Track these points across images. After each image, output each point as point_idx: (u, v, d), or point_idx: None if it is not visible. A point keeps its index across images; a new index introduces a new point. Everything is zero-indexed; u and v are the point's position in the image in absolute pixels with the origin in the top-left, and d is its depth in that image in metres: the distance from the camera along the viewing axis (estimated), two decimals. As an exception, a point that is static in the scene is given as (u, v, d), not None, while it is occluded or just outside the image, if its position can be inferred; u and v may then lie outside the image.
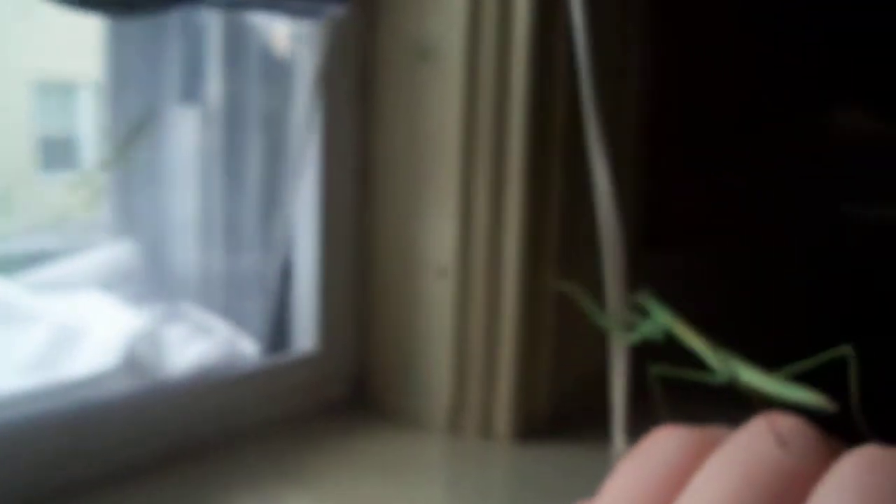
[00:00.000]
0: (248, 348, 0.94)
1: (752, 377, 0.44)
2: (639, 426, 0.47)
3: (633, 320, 0.47)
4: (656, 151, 1.10)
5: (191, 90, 0.96)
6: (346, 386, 1.02)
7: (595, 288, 0.96)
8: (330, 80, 0.93)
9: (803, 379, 0.42)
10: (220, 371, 0.90)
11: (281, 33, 0.92)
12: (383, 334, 1.01)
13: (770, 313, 1.56)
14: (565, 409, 1.00)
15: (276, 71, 0.94)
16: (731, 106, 1.43)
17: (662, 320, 0.46)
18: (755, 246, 1.52)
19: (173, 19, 0.94)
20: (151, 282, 0.98)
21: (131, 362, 0.84)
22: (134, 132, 0.76)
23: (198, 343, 0.92)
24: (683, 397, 0.47)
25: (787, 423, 0.32)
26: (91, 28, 0.93)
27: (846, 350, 0.41)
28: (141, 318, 0.89)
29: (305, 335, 0.98)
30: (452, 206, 0.93)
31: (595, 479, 0.34)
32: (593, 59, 0.78)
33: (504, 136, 0.91)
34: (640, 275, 1.06)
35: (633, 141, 1.05)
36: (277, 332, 0.98)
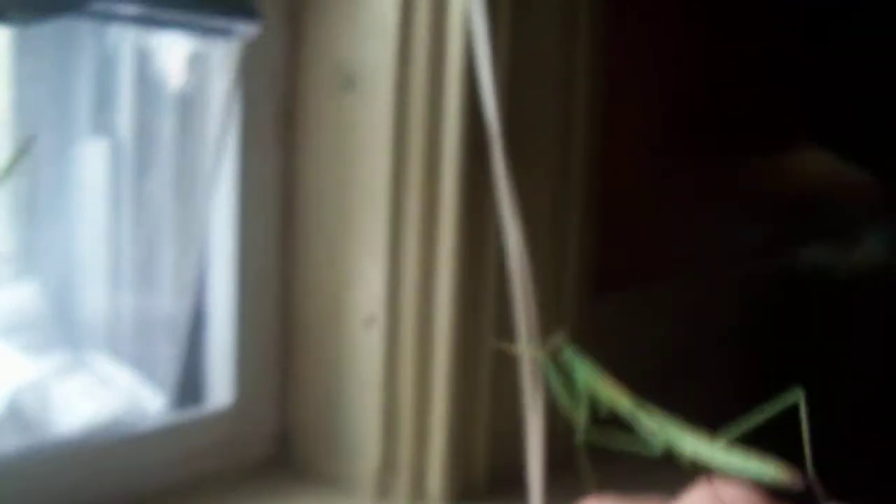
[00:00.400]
0: (154, 402, 0.86)
1: (696, 446, 0.36)
2: (565, 490, 0.41)
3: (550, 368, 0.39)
4: (607, 192, 1.03)
5: (101, 121, 0.88)
6: (267, 444, 0.93)
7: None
8: (247, 109, 0.85)
9: (753, 439, 0.34)
10: (121, 427, 0.82)
11: (179, 60, 0.84)
12: (307, 388, 0.92)
13: (724, 360, 1.50)
14: (505, 470, 0.92)
15: (187, 101, 0.86)
16: (684, 144, 1.37)
17: (582, 376, 0.38)
18: (706, 290, 1.46)
19: (83, 48, 0.86)
20: (55, 327, 0.89)
21: (16, 417, 0.75)
22: (12, 161, 0.69)
23: (97, 396, 0.83)
24: (613, 460, 0.40)
25: (731, 492, 0.29)
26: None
27: (795, 396, 0.34)
28: (33, 367, 0.81)
29: (221, 388, 0.90)
30: (381, 248, 0.85)
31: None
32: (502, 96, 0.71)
33: (436, 174, 0.84)
34: (586, 321, 0.99)
35: (580, 182, 0.98)
36: (190, 385, 0.89)
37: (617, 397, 0.38)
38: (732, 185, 1.55)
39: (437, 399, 0.87)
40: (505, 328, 0.86)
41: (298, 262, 0.91)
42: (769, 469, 0.33)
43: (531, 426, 0.65)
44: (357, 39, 0.84)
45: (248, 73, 0.84)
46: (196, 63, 0.83)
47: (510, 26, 0.84)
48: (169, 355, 0.87)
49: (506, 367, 0.90)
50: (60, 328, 0.89)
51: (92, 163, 0.88)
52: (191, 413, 0.88)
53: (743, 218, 1.60)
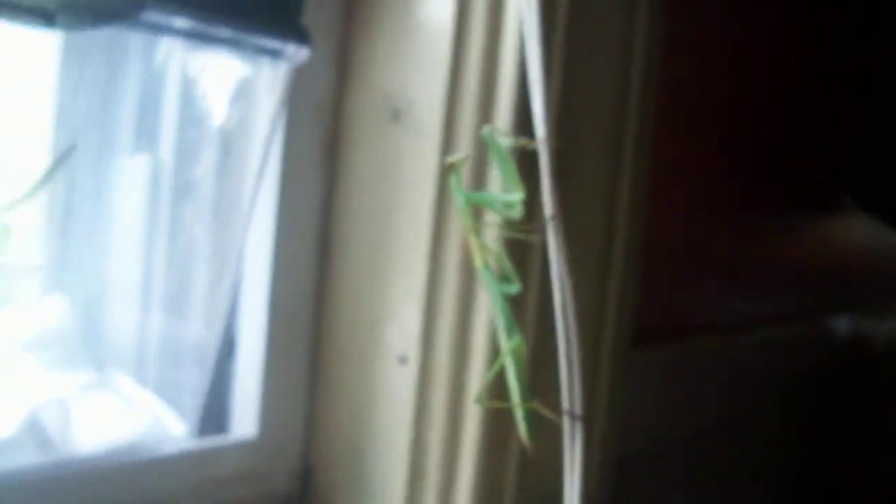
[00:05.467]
0: (177, 428, 0.84)
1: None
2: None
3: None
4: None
5: (143, 139, 0.87)
6: (289, 479, 0.91)
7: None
8: (291, 137, 0.84)
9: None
10: (143, 450, 0.80)
11: (226, 82, 0.82)
12: (333, 425, 0.90)
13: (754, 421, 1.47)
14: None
15: (231, 126, 0.84)
16: (725, 202, 1.35)
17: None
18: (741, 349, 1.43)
19: (131, 60, 0.85)
20: (81, 345, 0.87)
21: (37, 433, 0.74)
22: (50, 170, 0.68)
23: (120, 417, 0.81)
24: None
25: None
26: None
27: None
28: (57, 384, 0.79)
29: (245, 419, 0.88)
30: (418, 287, 0.83)
31: None
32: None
33: (481, 217, 0.82)
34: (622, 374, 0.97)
35: (624, 235, 0.96)
36: (215, 413, 0.88)
37: None
38: (771, 246, 1.53)
39: (468, 445, 0.84)
40: (542, 377, 0.84)
41: (332, 296, 0.89)
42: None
43: (570, 485, 0.62)
44: (407, 71, 0.83)
45: (295, 101, 0.83)
46: (242, 87, 0.81)
47: (562, 76, 0.82)
48: (194, 382, 0.85)
49: (541, 420, 0.88)
50: (87, 346, 0.88)
51: (131, 179, 0.87)
52: (214, 441, 0.86)
53: (779, 281, 1.58)
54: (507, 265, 0.55)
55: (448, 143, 0.81)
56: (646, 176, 0.98)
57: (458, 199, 0.56)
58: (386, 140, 0.84)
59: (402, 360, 0.84)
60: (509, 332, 0.55)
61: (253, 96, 0.81)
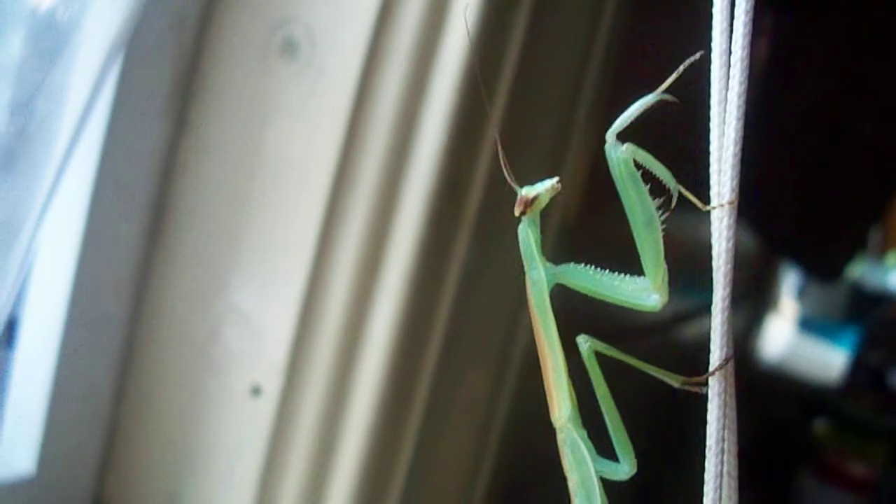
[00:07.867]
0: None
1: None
2: None
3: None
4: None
5: None
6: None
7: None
8: (132, 64, 0.58)
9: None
10: None
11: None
12: (141, 464, 0.65)
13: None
14: None
15: (52, 29, 0.58)
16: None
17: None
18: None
19: None
20: None
21: None
22: None
23: None
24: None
25: None
26: None
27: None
28: None
29: (19, 449, 0.62)
30: (293, 292, 0.59)
31: None
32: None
33: (395, 204, 0.59)
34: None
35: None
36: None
37: None
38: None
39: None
40: (436, 420, 0.62)
41: (160, 290, 0.64)
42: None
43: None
44: (313, -8, 0.58)
45: (147, 17, 0.56)
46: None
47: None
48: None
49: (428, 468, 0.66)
50: None
51: None
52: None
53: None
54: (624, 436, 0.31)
55: (364, 97, 0.57)
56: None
57: (531, 275, 0.32)
58: (268, 79, 0.59)
59: (256, 390, 0.60)
60: None
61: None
